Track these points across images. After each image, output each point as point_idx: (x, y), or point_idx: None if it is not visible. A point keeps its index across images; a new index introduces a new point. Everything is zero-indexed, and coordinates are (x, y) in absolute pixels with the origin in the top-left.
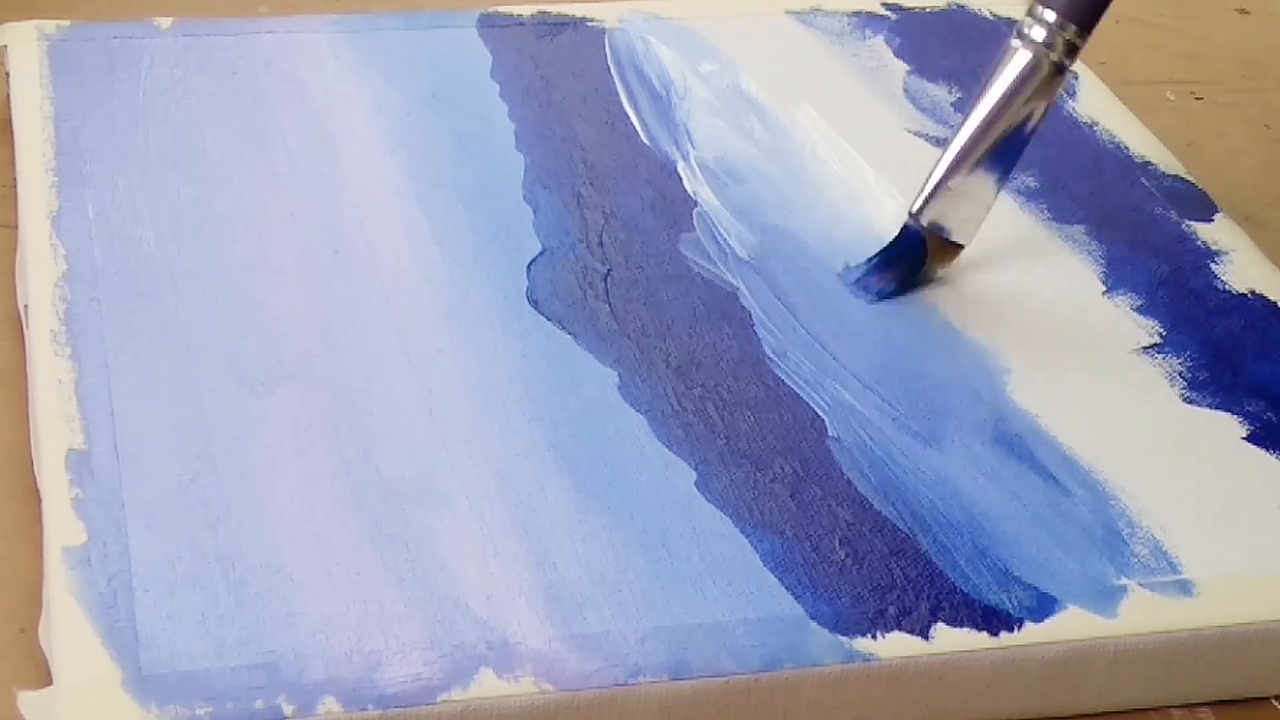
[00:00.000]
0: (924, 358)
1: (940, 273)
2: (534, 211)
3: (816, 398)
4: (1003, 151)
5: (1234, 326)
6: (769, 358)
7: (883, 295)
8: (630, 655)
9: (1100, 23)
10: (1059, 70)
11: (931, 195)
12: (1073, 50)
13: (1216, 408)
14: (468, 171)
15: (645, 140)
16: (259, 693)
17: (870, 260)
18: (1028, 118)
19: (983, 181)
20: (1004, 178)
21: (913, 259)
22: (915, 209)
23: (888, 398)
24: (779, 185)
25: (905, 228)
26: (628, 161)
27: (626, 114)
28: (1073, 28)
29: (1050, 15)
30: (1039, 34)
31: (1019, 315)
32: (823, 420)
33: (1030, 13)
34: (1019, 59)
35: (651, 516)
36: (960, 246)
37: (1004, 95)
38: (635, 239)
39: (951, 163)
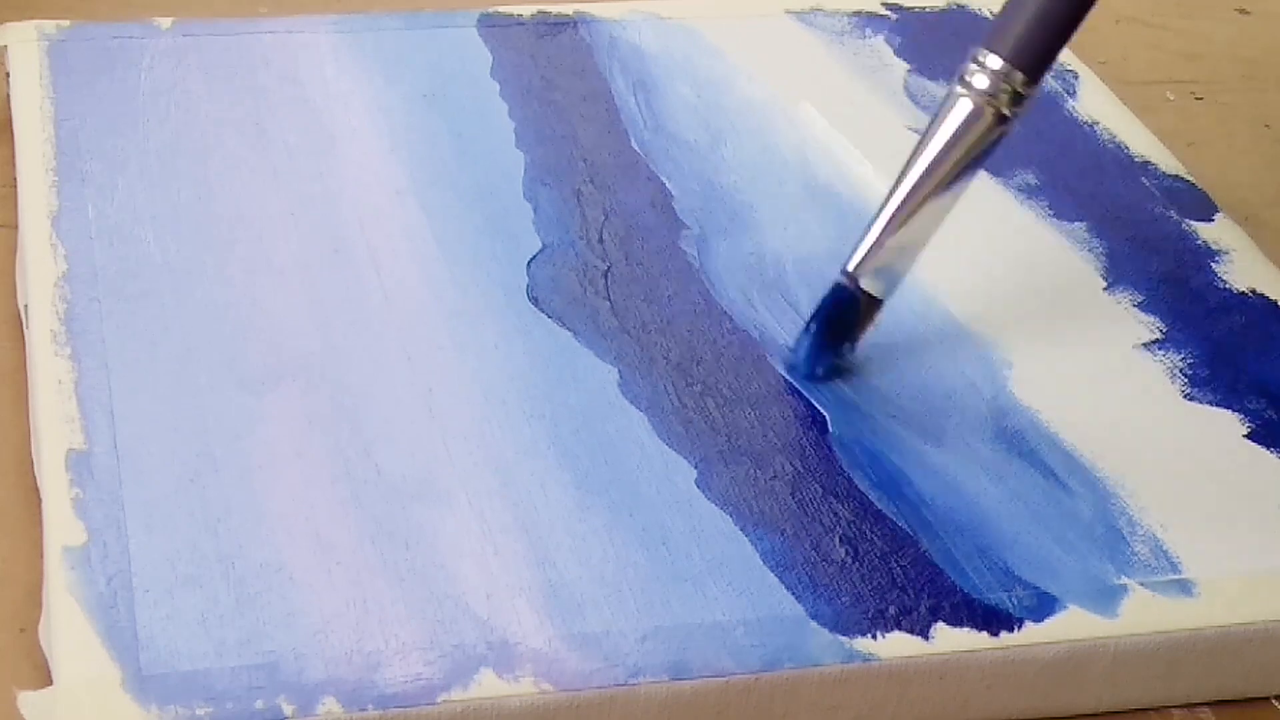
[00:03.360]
0: (925, 352)
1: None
2: (534, 209)
3: (817, 393)
4: (938, 204)
5: (1235, 325)
6: (770, 353)
7: (826, 370)
8: (630, 655)
9: (1049, 71)
10: (1001, 120)
11: (870, 252)
12: (1018, 100)
13: (1217, 405)
14: (467, 170)
15: (645, 138)
16: (259, 693)
17: (808, 330)
18: (967, 169)
19: (917, 234)
20: (935, 228)
21: (849, 320)
22: (852, 267)
23: (888, 393)
24: (780, 180)
25: (839, 287)
26: (627, 160)
27: (625, 113)
28: (1020, 76)
29: (996, 62)
30: (982, 82)
31: (1019, 309)
32: (823, 416)
33: (974, 57)
34: (960, 108)
35: (652, 515)
36: (881, 303)
37: (944, 147)
38: (635, 235)
39: (890, 218)
